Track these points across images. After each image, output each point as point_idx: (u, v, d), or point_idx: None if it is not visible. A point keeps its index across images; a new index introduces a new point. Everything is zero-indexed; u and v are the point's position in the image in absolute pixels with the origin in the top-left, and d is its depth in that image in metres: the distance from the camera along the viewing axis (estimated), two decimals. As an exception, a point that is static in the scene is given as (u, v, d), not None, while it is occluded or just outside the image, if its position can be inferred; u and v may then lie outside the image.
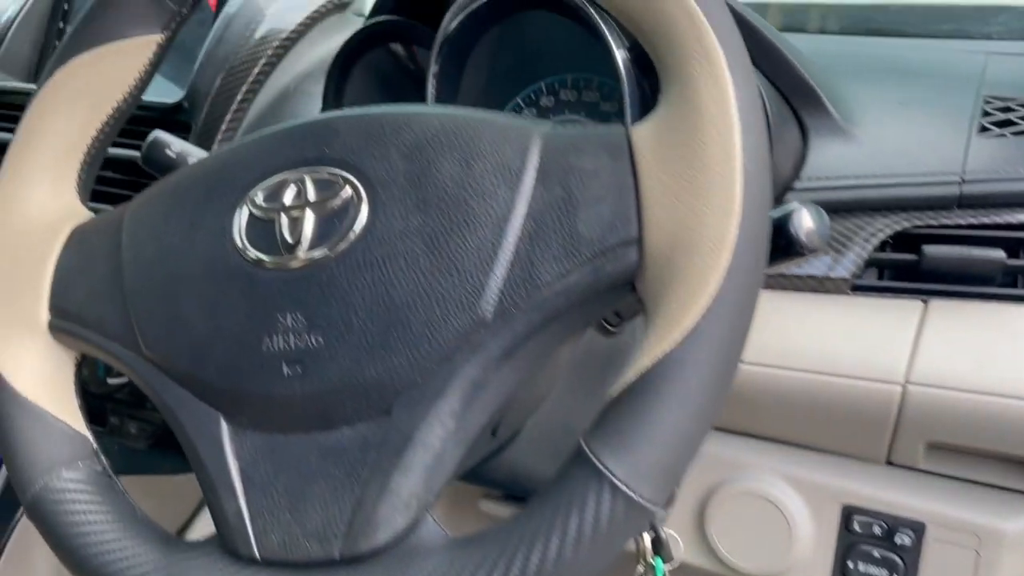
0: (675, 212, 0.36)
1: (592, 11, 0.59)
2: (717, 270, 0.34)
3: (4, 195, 0.51)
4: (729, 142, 0.35)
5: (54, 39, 0.88)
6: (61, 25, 0.88)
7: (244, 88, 0.72)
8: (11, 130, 0.83)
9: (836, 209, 0.57)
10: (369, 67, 0.72)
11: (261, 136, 0.46)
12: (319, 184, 0.42)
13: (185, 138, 0.71)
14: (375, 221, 0.40)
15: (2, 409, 0.47)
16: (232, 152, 0.46)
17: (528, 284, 0.38)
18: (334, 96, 0.71)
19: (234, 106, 0.72)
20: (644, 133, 0.38)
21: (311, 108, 0.72)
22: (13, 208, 0.51)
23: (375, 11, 0.71)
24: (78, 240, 0.49)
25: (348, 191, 0.41)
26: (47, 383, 0.48)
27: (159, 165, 0.61)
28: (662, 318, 0.35)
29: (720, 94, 0.36)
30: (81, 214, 0.52)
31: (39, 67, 0.88)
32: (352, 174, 0.42)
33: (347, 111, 0.44)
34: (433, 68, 0.65)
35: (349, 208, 0.41)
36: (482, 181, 0.39)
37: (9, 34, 0.86)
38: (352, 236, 0.40)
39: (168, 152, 0.60)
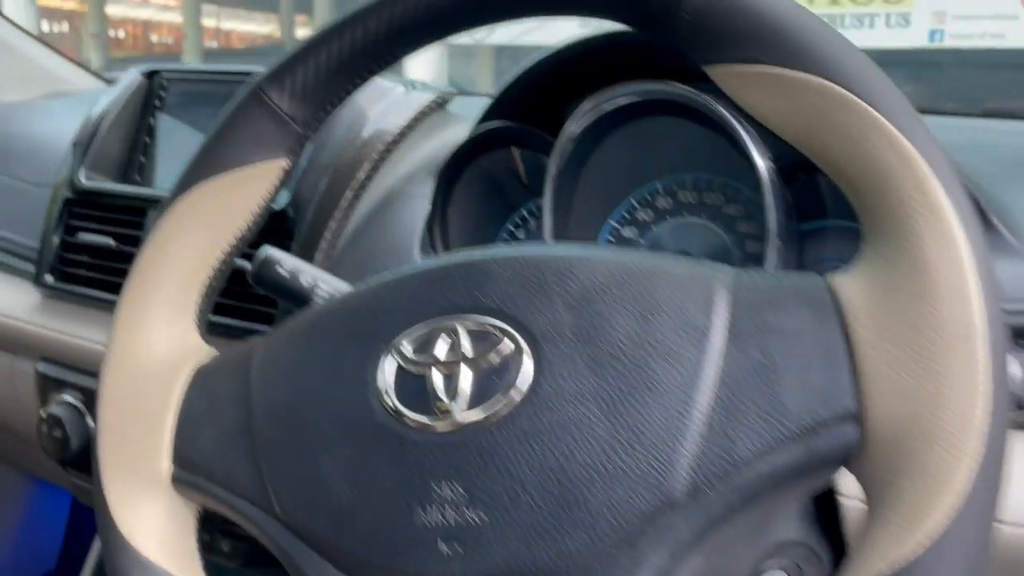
0: (905, 389, 0.31)
1: (735, 122, 0.55)
2: (964, 462, 0.30)
3: (122, 332, 0.48)
4: (968, 311, 0.31)
5: (144, 136, 0.87)
6: (151, 122, 0.87)
7: (349, 193, 0.69)
8: (103, 232, 0.83)
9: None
10: (477, 169, 0.70)
11: (404, 276, 0.43)
12: (475, 336, 0.38)
13: (287, 245, 0.69)
14: (541, 381, 0.36)
15: (122, 573, 0.43)
16: (373, 293, 0.43)
17: (725, 461, 0.33)
18: (442, 200, 0.69)
19: (338, 212, 0.69)
20: (853, 289, 0.34)
21: (416, 212, 0.70)
22: (132, 346, 0.48)
23: (486, 116, 0.69)
24: (202, 381, 0.46)
25: (508, 345, 0.37)
26: (169, 542, 0.44)
27: (271, 284, 0.59)
28: (898, 515, 0.30)
29: (953, 255, 0.31)
30: (202, 351, 0.49)
31: (128, 165, 0.87)
32: (511, 326, 0.38)
33: (498, 251, 0.41)
34: (552, 171, 0.63)
35: (510, 365, 0.37)
36: (663, 340, 0.35)
37: (100, 132, 0.86)
38: (516, 398, 0.37)
39: (280, 270, 0.58)
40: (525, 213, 0.73)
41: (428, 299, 0.41)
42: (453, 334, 0.39)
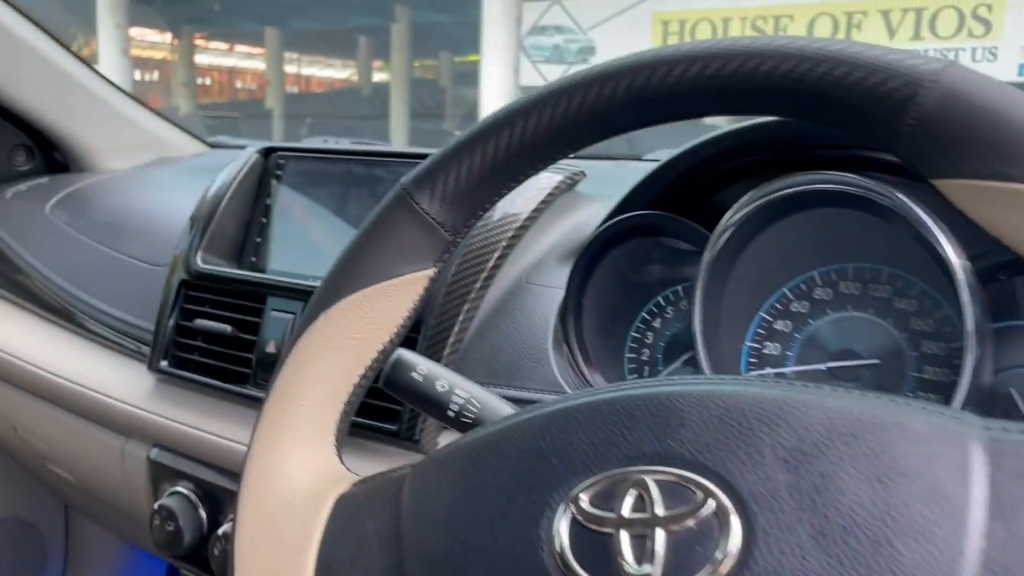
0: None
1: (928, 220, 0.50)
2: None
3: (259, 461, 0.45)
4: None
5: (259, 216, 0.85)
6: (267, 201, 0.85)
7: (478, 283, 0.66)
8: (219, 318, 0.81)
9: None
10: (613, 257, 0.65)
11: (575, 408, 0.38)
12: (667, 491, 0.33)
13: (413, 339, 0.65)
14: (754, 554, 0.31)
15: None
16: (542, 429, 0.38)
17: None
18: (577, 290, 0.64)
19: (467, 304, 0.65)
20: None
21: (547, 302, 0.65)
22: (269, 477, 0.44)
23: (626, 204, 0.65)
24: (345, 514, 0.42)
25: (710, 506, 0.32)
26: None
27: (404, 389, 0.55)
28: None
29: None
30: (343, 478, 0.45)
31: (243, 246, 0.85)
32: (712, 482, 0.33)
33: (686, 386, 0.36)
34: (705, 260, 0.58)
35: (714, 531, 0.32)
36: (909, 512, 0.30)
37: (217, 212, 0.84)
38: (723, 572, 0.31)
39: (414, 375, 0.53)
40: (662, 301, 0.68)
41: (608, 441, 0.36)
42: (641, 488, 0.34)
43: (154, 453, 0.83)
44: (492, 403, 0.51)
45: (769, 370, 0.62)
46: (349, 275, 0.46)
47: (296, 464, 0.45)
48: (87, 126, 1.28)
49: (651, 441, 0.35)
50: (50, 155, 1.33)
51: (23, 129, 1.28)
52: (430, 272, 0.46)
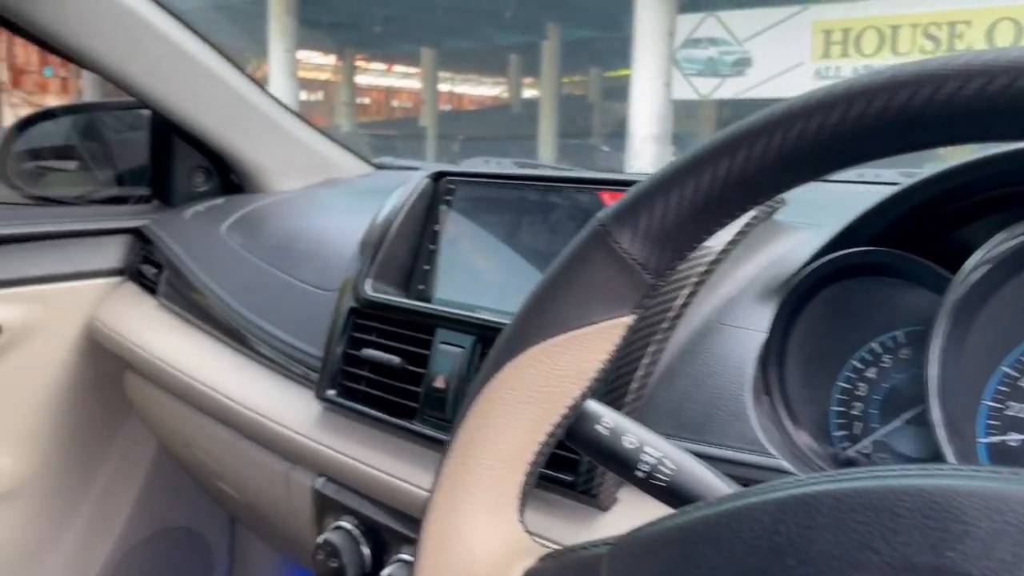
0: None
1: None
2: None
3: (438, 523, 0.41)
4: None
5: (427, 243, 0.83)
6: (436, 228, 0.82)
7: (666, 323, 0.59)
8: (388, 348, 0.79)
9: None
10: (824, 297, 0.58)
11: (814, 495, 0.31)
12: None
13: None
14: None
15: None
16: (772, 517, 0.32)
17: None
18: (782, 334, 0.57)
19: (653, 345, 0.59)
20: None
21: (744, 345, 0.58)
22: (449, 543, 0.40)
23: (846, 236, 0.57)
24: None
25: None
26: None
27: (586, 442, 0.49)
28: None
29: None
30: (528, 550, 0.40)
31: (411, 273, 0.83)
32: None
33: (964, 480, 0.28)
34: (949, 301, 0.50)
35: None
36: None
37: (387, 238, 0.82)
38: None
39: (599, 428, 0.48)
40: (877, 347, 0.59)
41: (863, 544, 0.29)
42: None
43: (319, 483, 0.82)
44: (690, 467, 0.45)
45: (1015, 435, 0.53)
46: (538, 321, 0.42)
47: (477, 532, 0.40)
48: (262, 148, 1.31)
49: (924, 551, 0.28)
50: (226, 176, 1.38)
51: (203, 151, 1.33)
52: (628, 319, 0.41)
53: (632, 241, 0.40)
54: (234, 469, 1.05)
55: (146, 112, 1.35)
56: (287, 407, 0.86)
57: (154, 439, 1.39)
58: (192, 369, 1.03)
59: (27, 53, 17.98)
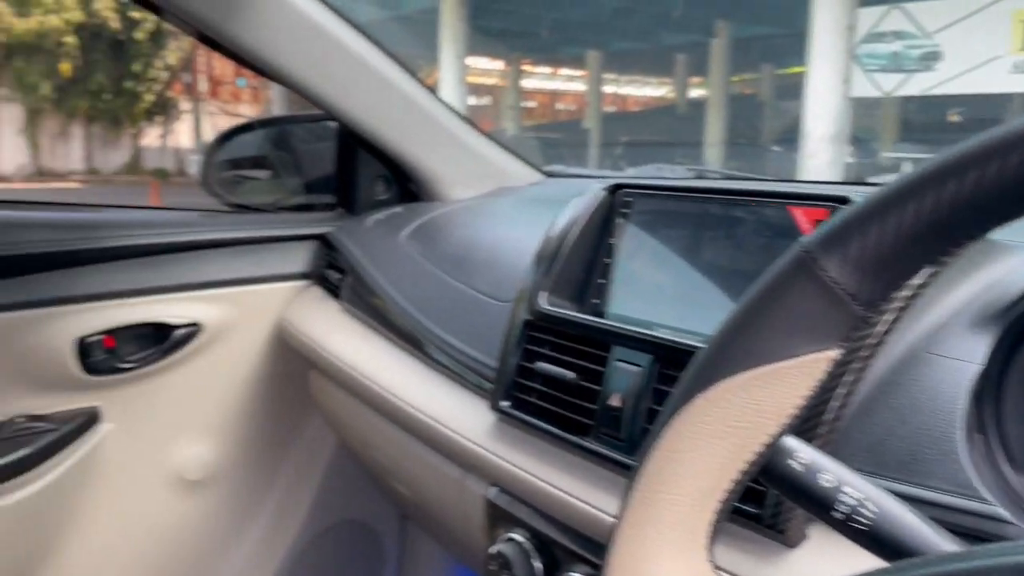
0: None
1: None
2: None
3: (623, 558, 0.40)
4: None
5: (603, 256, 0.81)
6: (612, 241, 0.81)
7: (864, 351, 0.55)
8: (562, 362, 0.78)
9: None
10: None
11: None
12: None
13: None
14: None
15: None
16: (1007, 562, 0.29)
17: None
18: (1000, 364, 0.52)
19: (850, 376, 0.55)
20: None
21: (954, 380, 0.53)
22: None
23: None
24: None
25: None
26: None
27: (779, 479, 0.47)
28: None
29: None
30: None
31: (585, 286, 0.82)
32: None
33: None
34: None
35: None
36: None
37: (562, 252, 0.82)
38: None
39: (792, 463, 0.45)
40: (1114, 384, 0.53)
41: None
42: None
43: (492, 493, 0.82)
44: (896, 512, 0.41)
45: None
46: (734, 352, 0.39)
47: (664, 569, 0.39)
48: (439, 158, 1.34)
49: None
50: (405, 185, 1.42)
51: (384, 161, 1.38)
52: (834, 354, 0.38)
53: (841, 269, 0.38)
54: (408, 471, 1.08)
55: (333, 124, 1.42)
56: (462, 415, 0.87)
57: (334, 436, 1.46)
58: (371, 372, 1.07)
59: (223, 66, 19.51)
